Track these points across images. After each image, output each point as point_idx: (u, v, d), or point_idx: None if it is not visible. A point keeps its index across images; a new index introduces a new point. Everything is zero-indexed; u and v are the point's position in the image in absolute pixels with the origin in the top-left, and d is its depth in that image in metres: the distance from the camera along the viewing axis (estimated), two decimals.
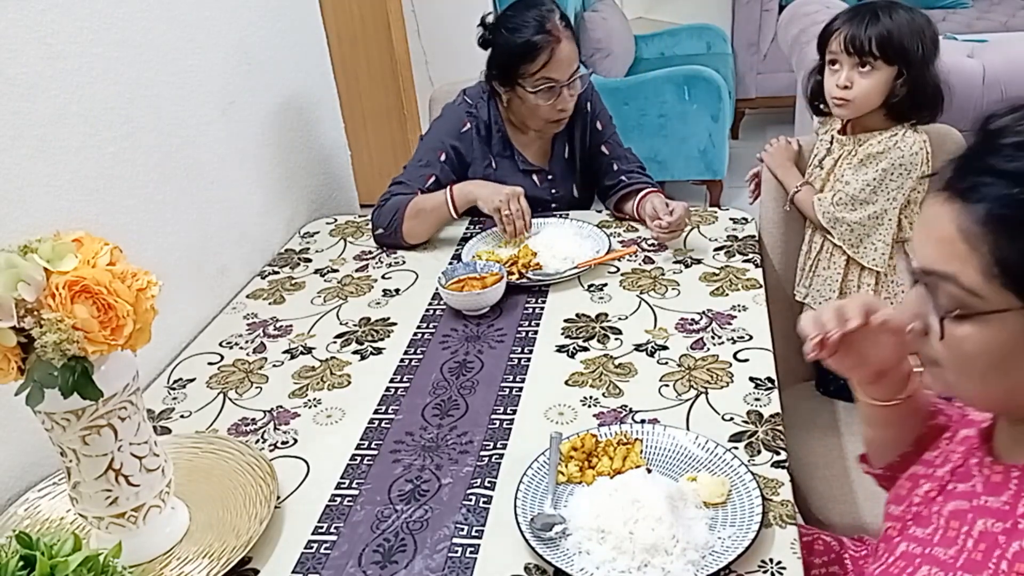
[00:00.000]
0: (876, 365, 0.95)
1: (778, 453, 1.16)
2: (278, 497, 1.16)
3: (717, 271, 1.68)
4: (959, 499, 0.81)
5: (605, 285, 1.66)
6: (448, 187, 1.84)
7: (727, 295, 1.58)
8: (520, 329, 1.54)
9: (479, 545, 1.06)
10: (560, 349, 1.47)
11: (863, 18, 1.54)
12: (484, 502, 1.14)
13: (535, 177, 1.97)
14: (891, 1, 1.55)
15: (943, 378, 0.78)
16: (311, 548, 1.09)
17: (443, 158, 1.90)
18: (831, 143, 1.71)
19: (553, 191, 2.00)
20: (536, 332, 1.52)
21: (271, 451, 1.28)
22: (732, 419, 1.24)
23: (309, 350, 1.53)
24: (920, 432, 1.00)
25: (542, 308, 1.60)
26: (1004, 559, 0.72)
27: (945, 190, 0.72)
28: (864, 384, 0.98)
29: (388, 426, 1.31)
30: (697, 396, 1.30)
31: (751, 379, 1.33)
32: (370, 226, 1.92)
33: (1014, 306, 0.69)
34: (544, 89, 1.81)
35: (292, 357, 1.52)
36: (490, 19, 1.86)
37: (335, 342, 1.55)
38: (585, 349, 1.46)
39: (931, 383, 0.81)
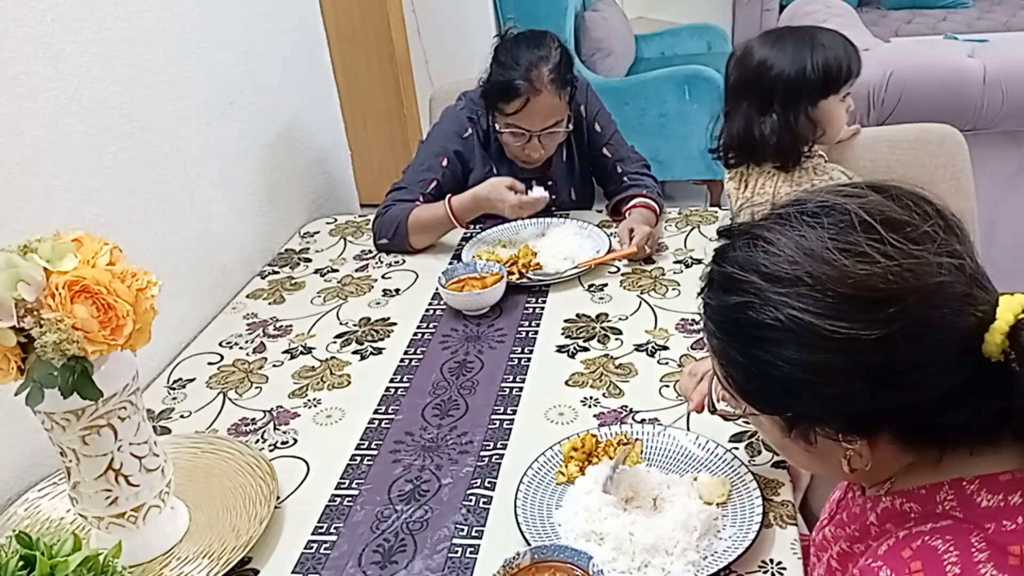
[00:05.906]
0: None
1: (778, 453, 1.16)
2: (278, 497, 1.16)
3: None
4: (833, 526, 0.85)
5: (605, 285, 1.66)
6: (447, 199, 1.81)
7: None
8: (520, 329, 1.54)
9: (479, 545, 1.06)
10: (560, 349, 1.47)
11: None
12: (484, 502, 1.14)
13: (534, 183, 1.96)
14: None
15: None
16: (311, 548, 1.09)
17: (445, 163, 1.89)
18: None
19: (553, 196, 1.99)
20: (536, 332, 1.52)
21: (271, 451, 1.28)
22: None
23: (309, 350, 1.53)
24: None
25: (542, 308, 1.60)
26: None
27: (700, 294, 0.74)
28: None
29: (388, 426, 1.31)
30: None
31: None
32: (372, 234, 1.90)
33: (758, 411, 0.71)
34: (512, 133, 1.81)
35: (292, 357, 1.52)
36: (507, 33, 1.82)
37: (335, 342, 1.55)
38: (585, 349, 1.46)
39: None
